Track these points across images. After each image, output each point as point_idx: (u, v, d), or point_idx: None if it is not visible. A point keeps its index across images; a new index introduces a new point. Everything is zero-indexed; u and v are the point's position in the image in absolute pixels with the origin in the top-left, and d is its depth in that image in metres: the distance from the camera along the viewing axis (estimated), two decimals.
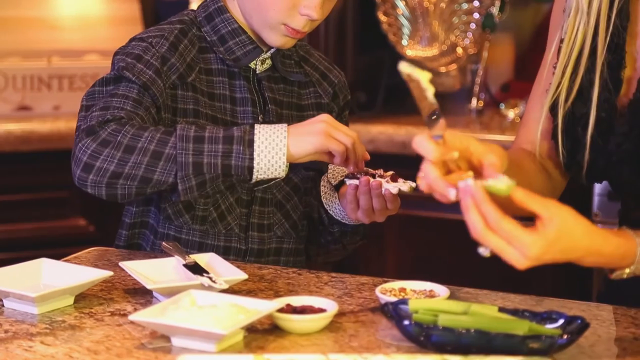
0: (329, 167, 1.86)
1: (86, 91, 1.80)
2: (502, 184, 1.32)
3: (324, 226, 1.90)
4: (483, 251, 1.33)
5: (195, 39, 1.84)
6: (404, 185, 1.69)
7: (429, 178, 1.33)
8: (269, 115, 1.85)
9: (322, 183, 1.86)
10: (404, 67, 1.33)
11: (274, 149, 1.66)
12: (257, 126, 1.68)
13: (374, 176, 1.72)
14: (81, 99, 1.80)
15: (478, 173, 1.36)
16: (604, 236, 1.38)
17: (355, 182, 1.71)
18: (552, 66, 1.65)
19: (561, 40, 1.63)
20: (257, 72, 1.86)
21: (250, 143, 1.66)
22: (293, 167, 1.87)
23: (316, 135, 1.66)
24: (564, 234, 1.32)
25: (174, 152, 1.65)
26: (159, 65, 1.77)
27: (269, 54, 1.86)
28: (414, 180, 1.64)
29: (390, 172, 1.73)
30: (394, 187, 1.69)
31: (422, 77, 1.33)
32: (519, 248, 1.30)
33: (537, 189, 1.62)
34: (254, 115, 1.84)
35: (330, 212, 1.85)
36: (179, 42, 1.81)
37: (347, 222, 1.84)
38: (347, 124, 2.00)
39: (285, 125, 1.68)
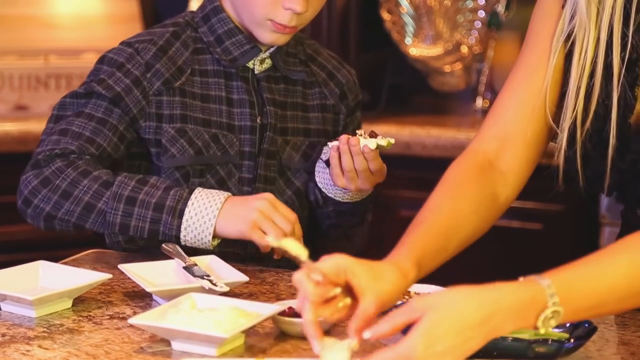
0: (324, 148, 1.85)
1: (59, 100, 1.82)
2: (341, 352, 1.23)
3: (319, 208, 1.88)
4: None
5: (190, 41, 1.83)
6: (382, 140, 1.71)
7: (305, 320, 1.26)
8: (267, 116, 1.83)
9: (317, 163, 1.85)
10: (273, 242, 1.31)
11: (201, 226, 1.66)
12: (194, 194, 1.68)
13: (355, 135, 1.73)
14: (52, 106, 1.82)
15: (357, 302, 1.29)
16: (496, 288, 1.25)
17: (336, 143, 1.72)
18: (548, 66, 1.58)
19: (570, 50, 1.57)
20: (256, 72, 1.84)
21: (180, 214, 1.67)
22: (296, 169, 1.85)
23: (244, 223, 1.64)
24: (442, 311, 1.20)
25: (105, 208, 1.69)
26: (139, 74, 1.78)
27: (267, 53, 1.84)
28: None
29: (370, 131, 1.74)
30: (371, 142, 1.70)
31: (290, 246, 1.30)
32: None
33: (472, 227, 1.52)
34: (251, 117, 1.82)
35: (324, 191, 1.83)
36: (169, 46, 1.81)
37: (339, 198, 1.82)
38: (359, 125, 1.97)
39: (223, 197, 1.66)
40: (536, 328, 1.25)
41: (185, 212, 1.66)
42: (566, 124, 1.53)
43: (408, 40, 3.13)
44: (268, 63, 1.85)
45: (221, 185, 1.81)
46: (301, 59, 1.91)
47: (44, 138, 1.77)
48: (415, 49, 3.13)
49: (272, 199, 1.67)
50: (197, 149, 1.79)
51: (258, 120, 1.83)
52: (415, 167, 2.78)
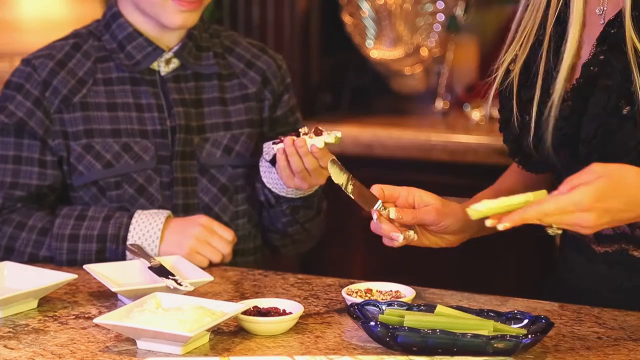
0: (264, 145, 1.78)
1: None
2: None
3: (272, 207, 1.85)
4: (552, 231, 1.36)
5: (92, 50, 1.82)
6: (329, 137, 1.64)
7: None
8: (174, 118, 1.82)
9: (260, 163, 1.80)
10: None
11: (146, 248, 1.73)
12: (134, 219, 1.74)
13: (299, 135, 1.65)
14: None
15: None
16: None
17: (282, 145, 1.65)
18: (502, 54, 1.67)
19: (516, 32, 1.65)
20: (163, 73, 1.82)
21: (124, 240, 1.74)
22: (219, 166, 1.84)
23: (184, 250, 1.73)
24: (621, 179, 1.34)
25: (49, 254, 1.74)
26: (38, 94, 1.78)
27: (171, 53, 1.82)
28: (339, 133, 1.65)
29: (314, 128, 1.67)
30: (318, 140, 1.64)
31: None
32: (576, 205, 1.32)
33: None
34: (161, 120, 1.81)
35: (275, 190, 1.79)
36: (68, 59, 1.81)
37: (292, 195, 1.79)
38: (292, 110, 1.93)
39: (162, 220, 1.74)
40: None
41: (128, 237, 1.73)
42: (499, 77, 1.62)
43: (369, 43, 3.15)
44: (175, 63, 1.83)
45: (141, 193, 1.80)
46: (217, 51, 1.87)
47: None
48: (376, 52, 3.15)
49: (207, 223, 1.74)
50: (105, 162, 1.78)
51: (167, 124, 1.81)
52: (377, 168, 2.80)
